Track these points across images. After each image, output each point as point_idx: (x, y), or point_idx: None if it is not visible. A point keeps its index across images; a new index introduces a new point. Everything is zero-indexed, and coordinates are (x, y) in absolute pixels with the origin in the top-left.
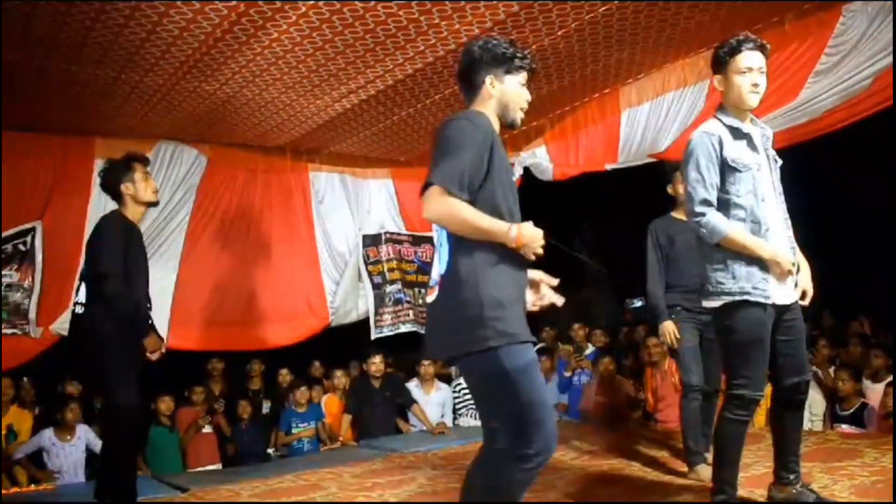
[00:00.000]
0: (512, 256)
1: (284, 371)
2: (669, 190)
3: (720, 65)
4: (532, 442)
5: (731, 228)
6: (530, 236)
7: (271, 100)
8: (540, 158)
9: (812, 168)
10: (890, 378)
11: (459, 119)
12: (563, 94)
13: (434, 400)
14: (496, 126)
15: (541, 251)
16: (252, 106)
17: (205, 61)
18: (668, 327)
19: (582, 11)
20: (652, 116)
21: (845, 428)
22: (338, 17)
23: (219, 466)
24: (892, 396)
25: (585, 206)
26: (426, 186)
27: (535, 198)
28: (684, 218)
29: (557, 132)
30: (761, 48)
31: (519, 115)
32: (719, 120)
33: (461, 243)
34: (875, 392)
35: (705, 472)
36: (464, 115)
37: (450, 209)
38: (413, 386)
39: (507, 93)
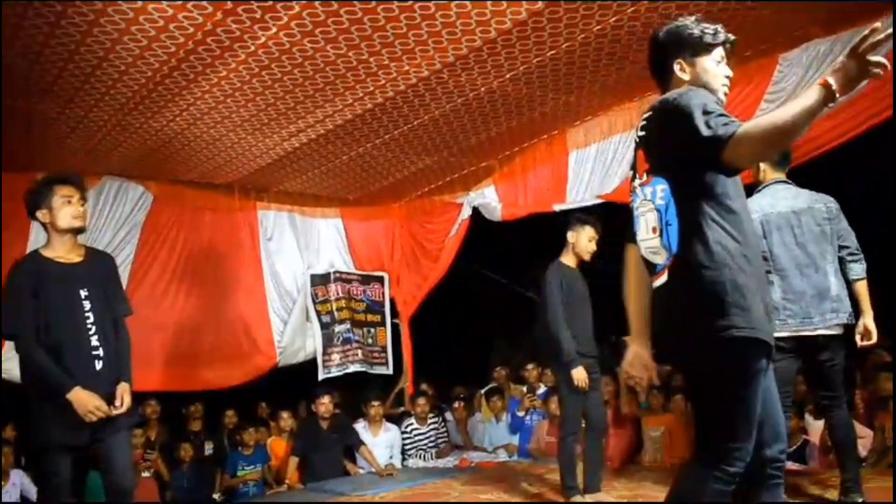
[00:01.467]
0: (752, 241)
1: (230, 412)
2: (570, 237)
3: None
4: (736, 451)
5: None
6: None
7: (219, 137)
8: (489, 199)
9: None
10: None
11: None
12: (511, 136)
13: (382, 441)
14: None
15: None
16: (200, 143)
17: (152, 98)
18: (583, 374)
19: (529, 55)
20: (599, 158)
21: (789, 465)
22: (287, 56)
23: None
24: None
25: (536, 245)
26: (719, 144)
27: (485, 236)
28: (574, 265)
29: (506, 173)
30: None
31: (721, 93)
32: None
33: (695, 222)
34: (816, 428)
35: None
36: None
37: (755, 136)
38: (361, 427)
39: (699, 75)
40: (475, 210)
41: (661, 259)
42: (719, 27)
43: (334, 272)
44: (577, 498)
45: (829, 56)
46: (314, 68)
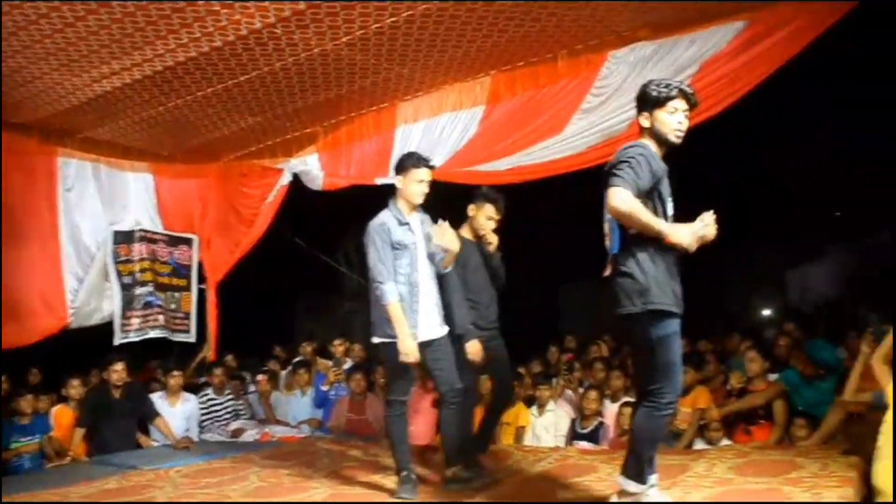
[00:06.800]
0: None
1: (3, 378)
2: (470, 211)
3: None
4: (670, 389)
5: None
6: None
7: (18, 69)
8: (310, 166)
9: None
10: (626, 398)
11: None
12: (339, 103)
13: (180, 413)
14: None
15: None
16: None
17: None
18: (476, 348)
19: (368, 20)
20: (426, 135)
21: (583, 445)
22: None
23: None
24: (626, 415)
25: (351, 219)
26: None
27: (300, 206)
28: (471, 237)
29: (330, 141)
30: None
31: (672, 137)
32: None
33: (627, 232)
34: (611, 411)
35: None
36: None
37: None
38: (157, 397)
39: (653, 124)
40: (295, 177)
41: (609, 256)
42: (675, 83)
43: (140, 230)
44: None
45: (654, 58)
46: (135, 4)
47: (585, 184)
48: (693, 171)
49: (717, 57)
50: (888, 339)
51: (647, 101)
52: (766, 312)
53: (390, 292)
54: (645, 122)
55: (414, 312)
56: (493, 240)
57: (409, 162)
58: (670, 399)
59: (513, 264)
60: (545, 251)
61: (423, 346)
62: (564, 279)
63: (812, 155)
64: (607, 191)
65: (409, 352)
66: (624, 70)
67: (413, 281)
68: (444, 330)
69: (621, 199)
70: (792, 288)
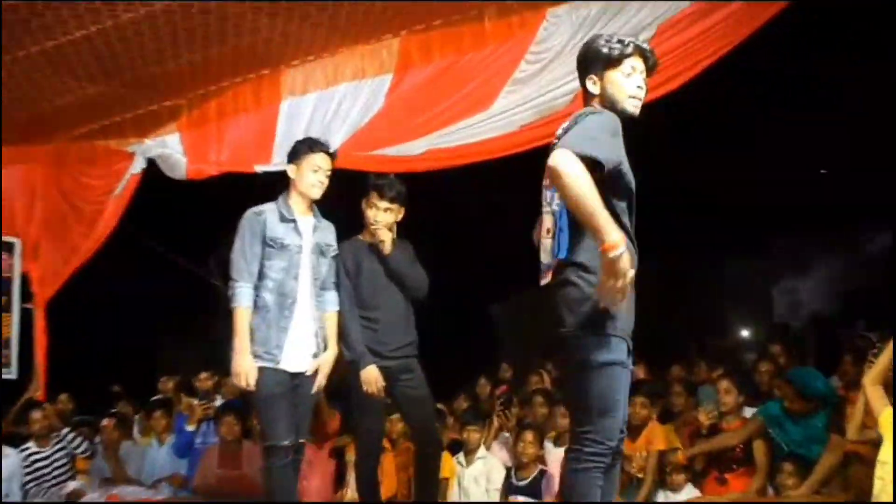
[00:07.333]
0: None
1: None
2: (364, 205)
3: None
4: (596, 433)
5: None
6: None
7: None
8: (171, 149)
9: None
10: None
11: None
12: (208, 69)
13: None
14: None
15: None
16: None
17: None
18: (372, 376)
19: None
20: (319, 110)
21: (521, 500)
22: None
23: None
24: None
25: (227, 216)
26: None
27: (161, 200)
28: (369, 239)
29: (196, 118)
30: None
31: (628, 105)
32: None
33: (583, 233)
34: (556, 456)
35: None
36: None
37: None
38: None
39: (606, 88)
40: (151, 163)
41: (547, 259)
42: (629, 38)
43: None
44: None
45: (602, 18)
46: None
47: (526, 172)
48: (660, 169)
49: (675, 21)
50: (883, 356)
51: (597, 59)
52: (745, 334)
53: (242, 295)
54: (593, 87)
55: (281, 330)
56: (385, 237)
57: (303, 147)
58: (595, 449)
59: (433, 273)
60: (475, 257)
61: (289, 377)
62: (499, 293)
63: (801, 151)
64: (552, 160)
65: (240, 371)
66: (566, 32)
67: (285, 291)
68: (314, 365)
69: (566, 161)
70: (777, 305)
